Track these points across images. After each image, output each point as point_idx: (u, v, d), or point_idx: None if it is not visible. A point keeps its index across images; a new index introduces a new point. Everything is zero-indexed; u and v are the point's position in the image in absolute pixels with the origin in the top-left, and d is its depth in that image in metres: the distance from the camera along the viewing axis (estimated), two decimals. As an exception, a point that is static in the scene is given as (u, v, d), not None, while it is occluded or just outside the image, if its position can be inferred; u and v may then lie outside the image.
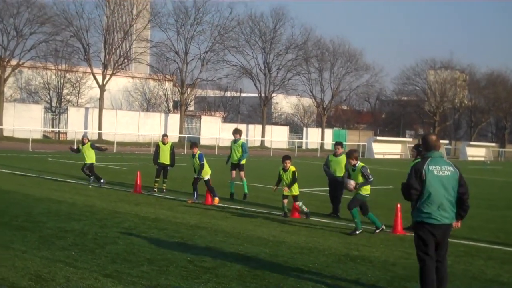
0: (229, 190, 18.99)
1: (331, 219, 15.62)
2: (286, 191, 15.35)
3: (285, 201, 15.53)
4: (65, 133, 64.43)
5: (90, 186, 20.66)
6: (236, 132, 19.47)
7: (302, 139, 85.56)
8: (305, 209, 15.43)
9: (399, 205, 13.83)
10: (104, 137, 62.32)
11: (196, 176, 17.82)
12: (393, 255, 11.22)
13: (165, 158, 20.33)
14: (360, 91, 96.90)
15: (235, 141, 19.24)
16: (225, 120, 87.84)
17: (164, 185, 20.06)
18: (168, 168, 20.43)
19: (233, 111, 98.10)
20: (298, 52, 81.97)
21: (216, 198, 17.47)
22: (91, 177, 21.32)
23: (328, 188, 16.92)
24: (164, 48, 71.92)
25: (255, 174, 29.80)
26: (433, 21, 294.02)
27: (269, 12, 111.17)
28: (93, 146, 21.67)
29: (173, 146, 20.72)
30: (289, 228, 13.81)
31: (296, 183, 15.30)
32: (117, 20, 67.75)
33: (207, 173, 17.78)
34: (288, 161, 15.39)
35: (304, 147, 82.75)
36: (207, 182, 17.74)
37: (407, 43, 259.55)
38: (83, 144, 21.63)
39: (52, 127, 66.04)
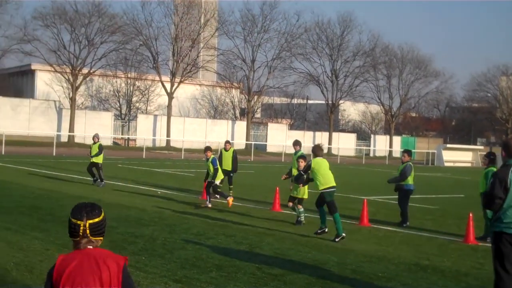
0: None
1: (400, 228, 15.36)
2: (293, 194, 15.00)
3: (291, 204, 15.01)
4: (134, 140, 65.57)
5: (93, 184, 21.80)
6: (296, 143, 19.36)
7: (369, 146, 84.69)
8: (302, 218, 14.94)
9: (471, 214, 13.48)
10: (172, 144, 63.15)
11: (210, 180, 17.98)
12: (465, 265, 10.94)
13: (227, 165, 20.43)
14: (429, 97, 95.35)
15: (295, 153, 19.15)
16: (291, 127, 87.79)
17: (231, 191, 20.15)
18: (231, 174, 20.51)
19: (299, 118, 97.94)
20: (366, 58, 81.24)
21: (230, 198, 17.80)
22: (95, 177, 22.18)
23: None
24: (231, 56, 72.49)
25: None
26: (506, 26, 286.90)
27: (336, 19, 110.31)
28: (100, 147, 22.44)
29: (235, 152, 20.78)
30: (358, 236, 13.65)
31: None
32: (185, 29, 68.61)
33: (219, 178, 17.99)
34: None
35: (371, 154, 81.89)
36: (215, 186, 17.90)
37: (478, 48, 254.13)
38: (94, 143, 22.50)
39: (122, 134, 67.28)
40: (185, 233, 12.62)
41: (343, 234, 12.72)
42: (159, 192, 20.80)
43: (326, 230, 13.22)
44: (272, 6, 71.19)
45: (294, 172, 18.82)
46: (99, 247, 3.98)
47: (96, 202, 4.24)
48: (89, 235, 3.92)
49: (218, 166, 18.07)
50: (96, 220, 4.01)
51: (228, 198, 17.72)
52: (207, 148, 18.61)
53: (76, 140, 59.57)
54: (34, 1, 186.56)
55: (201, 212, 16.22)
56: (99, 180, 22.04)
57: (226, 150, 20.72)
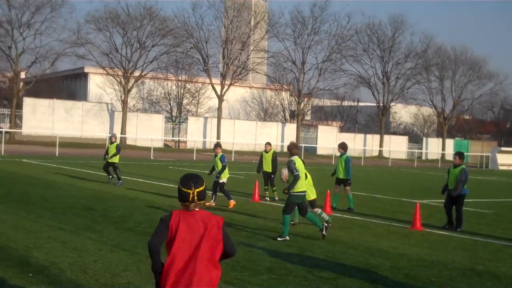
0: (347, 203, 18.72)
1: (454, 232, 15.06)
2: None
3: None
4: (185, 142, 66.11)
5: (108, 182, 22.27)
6: (341, 146, 19.19)
7: (421, 149, 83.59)
8: (325, 217, 14.17)
9: (528, 219, 13.13)
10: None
11: (215, 180, 18.06)
12: (522, 271, 10.65)
13: (267, 166, 20.47)
14: (483, 99, 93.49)
15: (340, 156, 18.97)
16: (342, 129, 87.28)
17: (275, 193, 20.07)
18: (272, 176, 20.46)
19: (350, 120, 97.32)
20: (417, 60, 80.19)
21: (232, 201, 17.61)
22: (111, 176, 22.60)
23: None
24: (281, 58, 72.46)
25: (373, 184, 29.34)
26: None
27: (387, 20, 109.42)
28: (118, 147, 22.78)
29: (275, 154, 20.75)
30: (410, 240, 13.43)
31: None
32: (236, 31, 68.85)
33: (225, 176, 18.06)
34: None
35: (424, 157, 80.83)
36: (221, 185, 17.92)
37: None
38: (111, 143, 22.96)
39: (172, 136, 67.91)
40: (235, 235, 12.59)
41: (287, 237, 12.45)
42: (209, 194, 20.85)
43: (327, 224, 12.99)
44: (323, 8, 70.97)
45: (340, 174, 18.69)
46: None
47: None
48: (196, 200, 5.01)
49: (226, 164, 18.22)
50: (201, 188, 5.06)
51: (230, 201, 17.68)
52: (217, 145, 18.81)
53: (128, 142, 60.35)
54: (88, 5, 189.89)
55: (251, 216, 16.18)
56: (117, 179, 22.46)
57: (266, 151, 20.77)
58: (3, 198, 16.54)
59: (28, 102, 58.89)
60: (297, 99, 73.03)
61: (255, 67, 72.78)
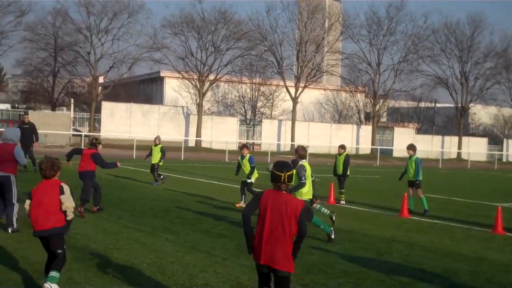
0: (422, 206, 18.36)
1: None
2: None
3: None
4: (259, 144, 66.35)
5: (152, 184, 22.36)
6: (410, 148, 18.80)
7: (502, 151, 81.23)
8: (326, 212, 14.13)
9: None
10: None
11: (243, 180, 17.87)
12: None
13: (339, 169, 20.28)
14: None
15: (409, 157, 18.58)
16: (419, 131, 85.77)
17: (342, 195, 19.84)
18: (342, 178, 20.24)
19: (427, 122, 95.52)
20: (498, 60, 77.94)
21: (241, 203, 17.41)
22: (161, 177, 22.84)
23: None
24: (356, 60, 71.86)
25: (452, 187, 28.70)
26: None
27: (465, 19, 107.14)
28: (162, 149, 23.25)
29: (347, 157, 20.48)
30: (491, 245, 13.05)
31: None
32: (310, 33, 68.67)
33: (254, 176, 17.91)
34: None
35: (504, 159, 78.53)
36: (249, 184, 17.70)
37: None
38: (155, 145, 23.33)
39: (247, 138, 68.24)
40: (311, 238, 12.51)
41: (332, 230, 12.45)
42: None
43: (333, 218, 13.44)
44: (399, 8, 70.04)
45: (410, 176, 18.30)
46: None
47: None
48: (286, 181, 6.22)
49: (255, 165, 18.14)
50: (290, 172, 6.27)
51: (241, 202, 17.65)
52: (244, 146, 18.74)
53: (203, 145, 61.03)
54: (164, 10, 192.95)
55: (326, 218, 16.07)
56: (154, 180, 22.86)
57: (339, 154, 20.54)
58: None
59: (106, 106, 60.35)
60: (372, 100, 72.25)
61: (329, 69, 72.41)
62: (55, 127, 52.97)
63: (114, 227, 12.55)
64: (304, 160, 12.81)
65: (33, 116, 56.41)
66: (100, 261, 9.41)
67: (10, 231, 11.23)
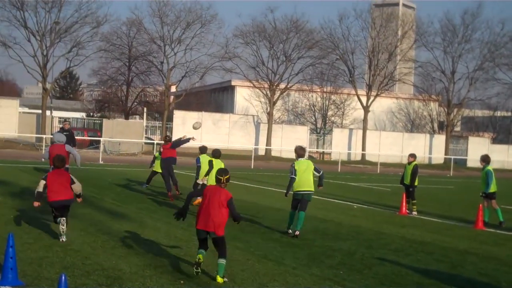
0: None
1: None
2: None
3: None
4: (329, 153, 65.97)
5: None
6: (482, 159, 18.27)
7: None
8: None
9: None
10: (367, 158, 62.74)
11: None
12: None
13: (406, 178, 19.81)
14: None
15: (482, 169, 18.07)
16: (494, 141, 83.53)
17: (414, 207, 19.41)
18: (410, 189, 19.73)
19: (503, 131, 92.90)
20: None
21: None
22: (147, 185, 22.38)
23: None
24: (430, 68, 70.60)
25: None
26: None
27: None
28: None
29: (415, 167, 19.90)
30: None
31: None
32: (382, 42, 67.97)
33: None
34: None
35: None
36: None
37: None
38: (160, 153, 22.33)
39: (317, 147, 67.98)
40: (383, 249, 12.36)
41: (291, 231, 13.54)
42: (355, 207, 20.64)
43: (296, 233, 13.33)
44: (474, 15, 68.45)
45: (482, 187, 17.81)
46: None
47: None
48: (225, 182, 9.33)
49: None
50: (228, 176, 9.37)
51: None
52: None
53: (273, 153, 61.11)
54: (236, 20, 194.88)
55: (399, 229, 15.80)
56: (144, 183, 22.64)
57: (408, 163, 20.07)
58: (156, 207, 17.23)
59: (178, 115, 61.19)
60: (446, 109, 70.85)
61: (402, 77, 71.44)
62: (128, 135, 54.09)
63: (185, 235, 12.67)
64: (299, 159, 13.79)
65: (107, 125, 57.85)
66: (172, 268, 9.51)
67: None
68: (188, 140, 20.29)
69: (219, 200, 9.00)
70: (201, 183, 17.61)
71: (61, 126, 27.42)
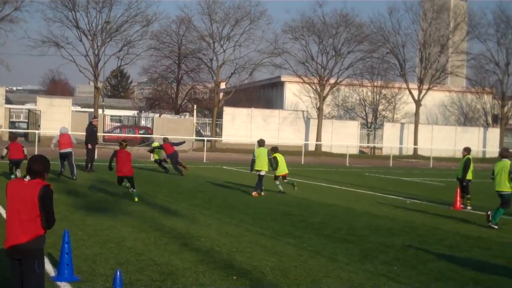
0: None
1: None
2: None
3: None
4: (380, 148, 65.35)
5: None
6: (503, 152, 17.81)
7: None
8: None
9: None
10: (419, 152, 61.90)
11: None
12: None
13: (459, 172, 19.39)
14: None
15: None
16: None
17: (468, 201, 18.99)
18: (464, 183, 19.28)
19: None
20: None
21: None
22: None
23: None
24: (483, 60, 69.18)
25: None
26: None
27: None
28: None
29: (467, 160, 19.41)
30: None
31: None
32: (434, 34, 66.88)
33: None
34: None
35: None
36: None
37: None
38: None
39: (368, 142, 67.39)
40: (437, 245, 12.14)
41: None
42: (408, 202, 20.36)
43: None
44: (528, 5, 66.87)
45: None
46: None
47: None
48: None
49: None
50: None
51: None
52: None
53: (323, 149, 60.82)
54: (284, 16, 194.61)
55: (453, 224, 15.53)
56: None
57: (463, 157, 19.65)
58: (207, 203, 17.30)
59: (228, 112, 61.42)
60: (500, 102, 69.42)
61: (454, 70, 70.23)
62: (179, 132, 54.48)
63: (237, 230, 12.68)
64: (503, 160, 15.38)
65: (158, 122, 58.45)
66: (224, 263, 9.52)
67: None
68: (183, 142, 27.60)
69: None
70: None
71: (90, 121, 28.80)
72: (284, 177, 21.06)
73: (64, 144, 23.06)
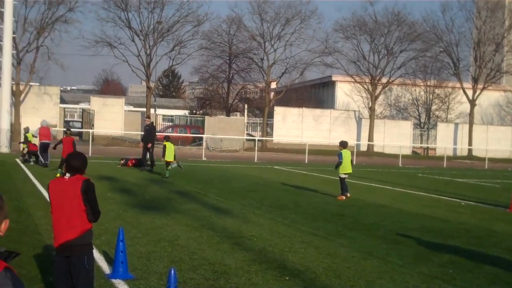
0: None
1: None
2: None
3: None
4: (434, 149, 64.43)
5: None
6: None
7: None
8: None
9: None
10: (474, 153, 60.82)
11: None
12: None
13: None
14: None
15: None
16: None
17: None
18: None
19: None
20: None
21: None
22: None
23: None
24: (540, 58, 67.59)
25: None
26: None
27: None
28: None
29: None
30: None
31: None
32: (489, 32, 65.65)
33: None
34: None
35: None
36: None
37: None
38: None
39: (421, 143, 66.55)
40: (494, 247, 11.87)
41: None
42: (462, 203, 19.99)
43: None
44: None
45: None
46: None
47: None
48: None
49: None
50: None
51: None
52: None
53: (375, 149, 60.29)
54: (336, 14, 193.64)
55: (510, 227, 15.18)
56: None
57: None
58: (258, 203, 17.30)
59: (279, 111, 61.43)
60: (558, 101, 67.74)
61: (510, 69, 68.77)
62: (230, 132, 54.75)
63: (288, 231, 12.64)
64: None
65: (209, 122, 58.80)
66: (276, 263, 9.49)
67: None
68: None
69: None
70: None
71: (151, 121, 29.11)
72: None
73: (44, 136, 25.98)
